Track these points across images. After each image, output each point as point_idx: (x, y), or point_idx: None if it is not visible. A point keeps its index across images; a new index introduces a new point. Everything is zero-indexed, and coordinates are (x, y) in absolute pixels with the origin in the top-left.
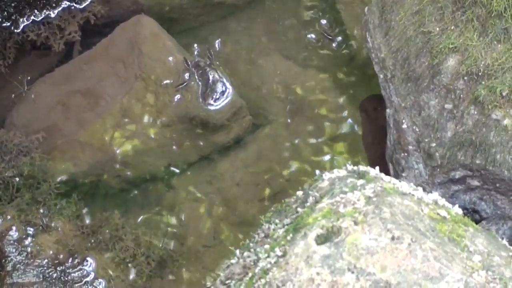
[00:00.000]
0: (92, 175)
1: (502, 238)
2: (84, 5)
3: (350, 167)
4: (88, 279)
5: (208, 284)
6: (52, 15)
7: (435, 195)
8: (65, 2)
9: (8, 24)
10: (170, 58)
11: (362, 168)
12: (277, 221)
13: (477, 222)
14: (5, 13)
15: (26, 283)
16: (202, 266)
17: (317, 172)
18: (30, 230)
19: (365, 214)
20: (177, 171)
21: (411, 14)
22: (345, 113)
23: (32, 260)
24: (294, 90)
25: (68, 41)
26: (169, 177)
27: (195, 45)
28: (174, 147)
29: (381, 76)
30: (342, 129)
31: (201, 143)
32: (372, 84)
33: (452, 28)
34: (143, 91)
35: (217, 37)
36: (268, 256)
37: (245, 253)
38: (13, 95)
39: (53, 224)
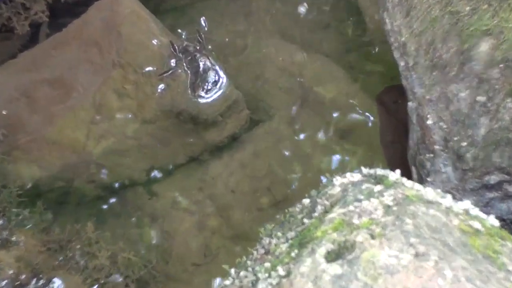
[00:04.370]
0: (61, 180)
1: None
2: None
3: (365, 170)
4: None
5: None
6: None
7: (466, 204)
8: None
9: None
10: (154, 42)
11: (380, 171)
12: (279, 234)
13: None
14: None
15: None
16: None
17: (327, 176)
18: None
19: (383, 226)
20: (161, 175)
21: None
22: (359, 107)
23: None
24: (299, 80)
25: (34, 22)
26: (151, 183)
27: (183, 26)
28: (157, 146)
29: (402, 63)
30: (355, 125)
31: (190, 142)
32: (391, 73)
33: (484, 7)
34: (121, 81)
35: (209, 17)
36: (269, 276)
37: (242, 273)
38: None
39: (14, 239)
